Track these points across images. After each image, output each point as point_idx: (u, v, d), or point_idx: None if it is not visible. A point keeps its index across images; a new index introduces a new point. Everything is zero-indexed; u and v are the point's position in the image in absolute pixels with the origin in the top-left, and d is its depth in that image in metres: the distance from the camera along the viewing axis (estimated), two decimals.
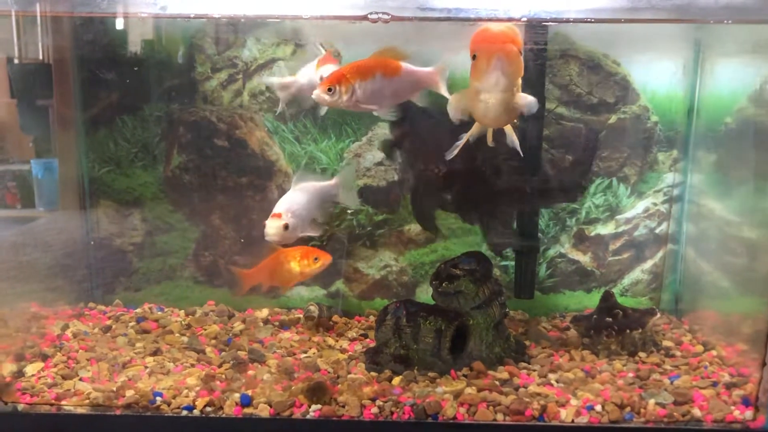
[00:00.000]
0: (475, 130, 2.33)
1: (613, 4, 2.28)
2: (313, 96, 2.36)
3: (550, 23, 2.46)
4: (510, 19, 2.23)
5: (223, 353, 2.75)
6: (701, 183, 3.07)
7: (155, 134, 3.14)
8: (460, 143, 2.32)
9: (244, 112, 3.12)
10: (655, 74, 3.05)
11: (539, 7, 2.28)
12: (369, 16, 2.32)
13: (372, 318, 3.14)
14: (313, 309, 3.10)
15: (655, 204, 3.17)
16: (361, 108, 2.38)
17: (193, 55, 3.06)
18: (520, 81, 2.19)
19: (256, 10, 2.62)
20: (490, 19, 2.27)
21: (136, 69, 3.06)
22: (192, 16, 2.42)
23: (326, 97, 2.34)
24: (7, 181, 3.20)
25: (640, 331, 2.77)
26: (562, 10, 2.35)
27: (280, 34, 3.03)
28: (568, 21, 2.25)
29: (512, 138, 2.31)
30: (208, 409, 2.36)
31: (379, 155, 3.13)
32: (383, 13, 2.28)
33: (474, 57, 2.10)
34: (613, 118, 3.09)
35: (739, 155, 2.80)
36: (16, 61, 3.00)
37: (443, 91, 2.44)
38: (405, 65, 2.41)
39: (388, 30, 2.41)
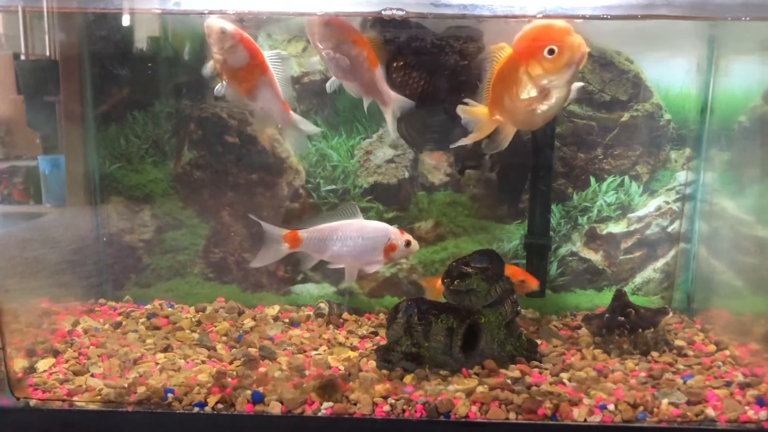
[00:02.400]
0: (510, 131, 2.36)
1: (629, 1, 2.26)
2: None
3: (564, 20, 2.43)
4: (525, 16, 2.21)
5: (234, 350, 2.75)
6: (714, 181, 3.05)
7: (166, 130, 3.14)
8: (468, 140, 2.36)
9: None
10: (669, 72, 3.03)
11: (554, 3, 2.26)
12: (383, 12, 2.31)
13: (382, 316, 3.13)
14: (324, 306, 3.10)
15: (667, 202, 3.16)
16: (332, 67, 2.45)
17: (204, 51, 3.05)
18: None
19: (269, 6, 2.61)
20: (506, 16, 2.26)
21: (146, 65, 3.06)
22: (206, 11, 2.41)
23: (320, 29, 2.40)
24: (15, 177, 3.20)
25: (652, 330, 2.76)
26: (576, 6, 2.33)
27: (292, 30, 3.02)
28: (583, 18, 2.22)
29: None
30: (220, 406, 2.36)
31: (390, 152, 3.12)
32: (398, 9, 2.27)
33: (552, 51, 2.08)
34: (625, 116, 3.07)
35: (753, 154, 2.79)
36: (23, 57, 3.00)
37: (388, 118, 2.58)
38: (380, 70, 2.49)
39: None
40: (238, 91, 2.47)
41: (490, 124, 2.35)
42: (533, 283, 2.87)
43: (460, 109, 2.36)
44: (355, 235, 2.60)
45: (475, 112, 2.36)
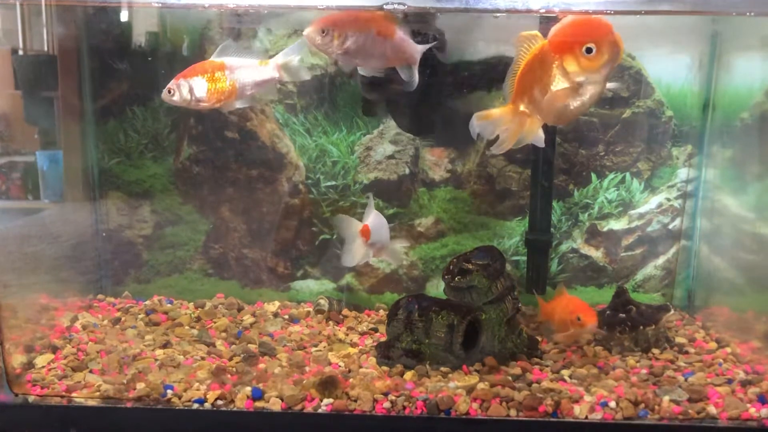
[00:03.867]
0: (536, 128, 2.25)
1: None
2: (303, 34, 2.27)
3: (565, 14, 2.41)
4: (528, 11, 2.20)
5: (234, 346, 2.74)
6: (716, 178, 3.04)
7: (165, 125, 3.12)
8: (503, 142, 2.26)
9: (254, 104, 3.09)
10: (671, 68, 3.02)
11: None
12: (384, 6, 2.29)
13: (382, 312, 3.12)
14: (323, 302, 3.09)
15: (668, 199, 3.15)
16: (346, 61, 2.31)
17: (204, 46, 3.04)
18: None
19: (270, 0, 2.58)
20: (508, 11, 2.25)
21: (146, 60, 3.04)
22: (206, 5, 2.39)
23: (318, 38, 2.23)
24: (13, 173, 3.18)
25: (653, 327, 2.75)
26: (579, 1, 2.32)
27: (292, 24, 3.00)
28: (586, 13, 2.21)
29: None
30: (219, 402, 2.35)
31: (391, 148, 3.11)
32: (399, 3, 2.25)
33: (590, 50, 2.01)
34: (627, 113, 3.06)
35: (755, 151, 2.78)
36: (20, 52, 2.98)
37: (415, 71, 2.40)
38: (400, 32, 2.34)
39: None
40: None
41: (518, 118, 2.21)
42: (591, 321, 2.53)
43: (477, 117, 2.22)
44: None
45: (494, 115, 2.23)
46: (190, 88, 2.31)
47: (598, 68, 2.03)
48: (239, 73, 2.38)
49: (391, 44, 2.33)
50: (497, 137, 2.23)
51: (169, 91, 2.31)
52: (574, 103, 2.09)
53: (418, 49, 2.41)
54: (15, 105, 3.04)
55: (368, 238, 2.65)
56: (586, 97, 2.08)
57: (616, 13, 2.24)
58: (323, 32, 2.23)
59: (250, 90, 2.42)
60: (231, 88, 2.37)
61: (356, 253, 2.67)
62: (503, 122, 2.21)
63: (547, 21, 2.50)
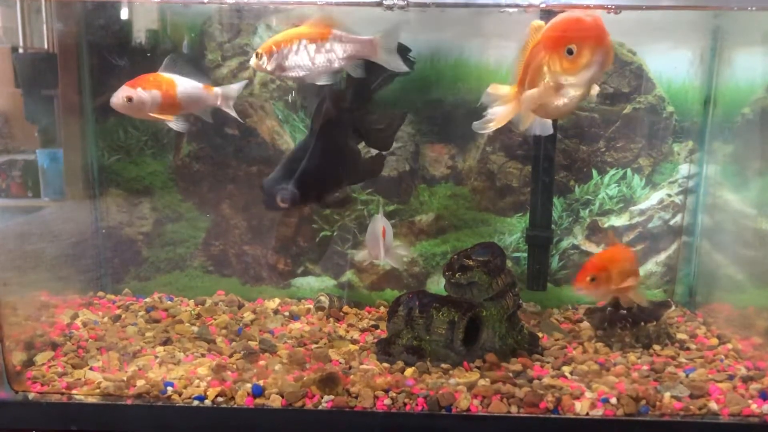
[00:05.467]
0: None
1: None
2: (250, 64, 2.39)
3: (567, 9, 2.40)
4: (530, 6, 2.19)
5: (234, 343, 2.73)
6: (717, 174, 3.04)
7: (165, 123, 3.11)
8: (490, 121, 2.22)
9: (254, 101, 3.09)
10: (672, 63, 3.01)
11: None
12: (384, 2, 2.28)
13: (382, 309, 3.11)
14: (324, 299, 3.08)
15: (669, 195, 3.14)
16: (291, 75, 2.36)
17: (204, 42, 3.03)
18: None
19: None
20: (508, 6, 2.23)
21: (145, 56, 3.03)
22: (205, 1, 2.38)
23: (257, 62, 2.35)
24: (13, 170, 3.18)
25: (654, 323, 2.75)
26: None
27: (292, 20, 2.99)
28: (587, 8, 2.19)
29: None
30: (220, 399, 2.34)
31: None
32: None
33: (570, 52, 1.92)
34: (628, 108, 3.05)
35: (757, 146, 2.77)
36: (20, 50, 2.97)
37: (382, 60, 2.39)
38: (335, 32, 2.35)
39: (401, 16, 2.37)
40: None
41: (512, 106, 2.18)
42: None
43: (491, 87, 2.19)
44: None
45: (501, 91, 2.18)
46: (147, 100, 2.39)
47: (578, 71, 1.95)
48: (185, 92, 2.48)
49: (327, 47, 2.36)
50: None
51: (129, 99, 2.37)
52: (556, 103, 2.05)
53: (366, 39, 2.40)
54: (15, 103, 3.03)
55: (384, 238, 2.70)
56: (566, 99, 2.01)
57: (618, 8, 2.22)
58: (257, 56, 2.34)
59: (190, 109, 2.54)
60: (176, 105, 2.46)
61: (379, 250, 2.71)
62: (505, 100, 2.18)
63: (547, 15, 2.49)
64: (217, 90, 2.56)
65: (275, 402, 2.32)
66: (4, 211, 3.22)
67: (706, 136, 3.06)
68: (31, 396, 2.38)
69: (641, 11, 2.50)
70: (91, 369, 2.52)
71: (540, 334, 2.79)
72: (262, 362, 2.56)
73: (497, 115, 2.17)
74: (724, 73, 2.94)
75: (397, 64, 2.42)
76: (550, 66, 1.98)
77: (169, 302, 3.14)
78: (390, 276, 3.22)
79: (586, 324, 2.91)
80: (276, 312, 3.08)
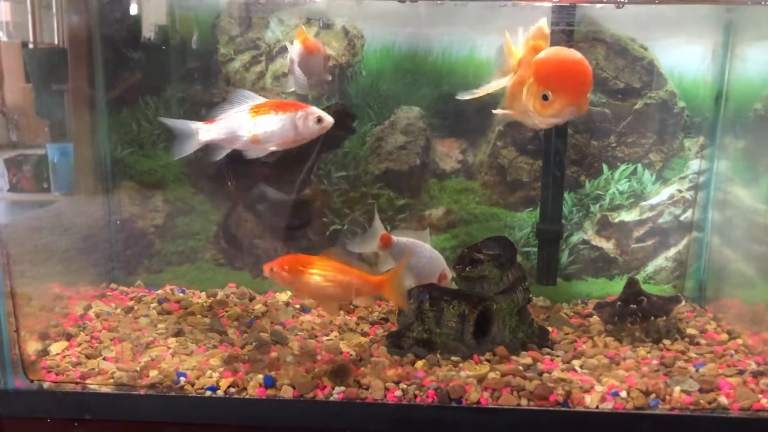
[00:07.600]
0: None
1: None
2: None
3: (578, 3, 2.41)
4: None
5: (245, 335, 2.75)
6: (728, 170, 3.03)
7: (178, 115, 3.13)
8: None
9: (266, 94, 3.09)
10: (683, 59, 3.00)
11: None
12: None
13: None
14: None
15: (680, 191, 3.14)
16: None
17: (216, 36, 3.05)
18: None
19: None
20: None
21: (158, 50, 3.05)
22: None
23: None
24: (24, 165, 3.20)
25: (664, 318, 2.75)
26: None
27: (304, 14, 3.01)
28: (600, 2, 2.19)
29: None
30: (232, 389, 2.37)
31: (402, 138, 3.11)
32: None
33: (545, 97, 1.92)
34: (639, 104, 3.04)
35: None
36: (31, 45, 2.99)
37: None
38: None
39: (412, 10, 2.37)
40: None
41: (507, 80, 2.16)
42: None
43: (507, 42, 2.14)
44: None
45: (513, 55, 2.14)
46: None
47: (547, 115, 1.96)
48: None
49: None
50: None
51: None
52: (529, 122, 2.07)
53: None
54: (26, 98, 3.05)
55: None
56: (539, 125, 2.05)
57: (630, 2, 2.22)
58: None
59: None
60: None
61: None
62: (504, 69, 2.18)
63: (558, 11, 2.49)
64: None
65: (287, 393, 2.34)
66: (18, 205, 3.25)
67: (717, 131, 3.05)
68: (45, 385, 2.41)
69: (652, 5, 2.49)
70: (104, 359, 2.55)
71: (550, 329, 2.80)
72: (273, 353, 2.58)
73: (487, 87, 2.18)
74: (737, 68, 2.93)
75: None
76: (528, 91, 1.98)
77: (181, 294, 3.16)
78: None
79: (595, 318, 2.92)
80: (287, 304, 3.10)
